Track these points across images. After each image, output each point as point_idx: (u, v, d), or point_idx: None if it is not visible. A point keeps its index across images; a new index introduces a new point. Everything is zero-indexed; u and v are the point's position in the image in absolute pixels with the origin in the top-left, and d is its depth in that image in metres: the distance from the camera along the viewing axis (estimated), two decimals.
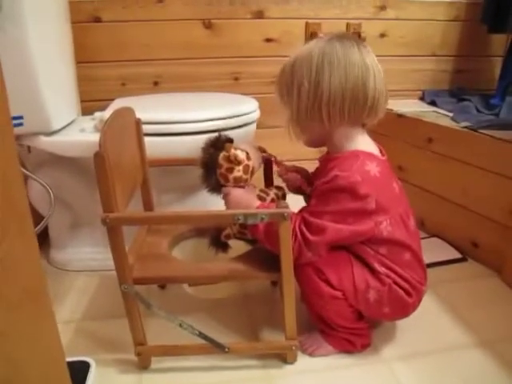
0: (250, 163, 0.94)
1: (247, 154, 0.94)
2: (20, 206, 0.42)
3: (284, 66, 0.91)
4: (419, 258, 0.94)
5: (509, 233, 1.26)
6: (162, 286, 1.24)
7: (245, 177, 0.93)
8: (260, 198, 0.96)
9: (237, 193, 0.93)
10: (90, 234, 1.33)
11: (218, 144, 0.94)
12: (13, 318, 0.41)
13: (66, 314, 1.15)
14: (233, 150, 0.91)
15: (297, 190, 1.07)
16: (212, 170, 0.94)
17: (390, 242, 0.89)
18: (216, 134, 0.96)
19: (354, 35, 0.92)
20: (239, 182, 0.94)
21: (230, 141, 0.95)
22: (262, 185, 1.08)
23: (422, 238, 0.96)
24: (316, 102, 0.85)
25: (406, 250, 0.91)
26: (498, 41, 1.83)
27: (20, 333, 0.43)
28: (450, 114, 1.55)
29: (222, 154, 0.93)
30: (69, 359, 0.85)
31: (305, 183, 1.05)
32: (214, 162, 0.93)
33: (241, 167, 0.92)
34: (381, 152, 0.93)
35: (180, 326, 0.90)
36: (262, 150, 1.05)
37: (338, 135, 0.90)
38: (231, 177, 0.93)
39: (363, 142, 0.90)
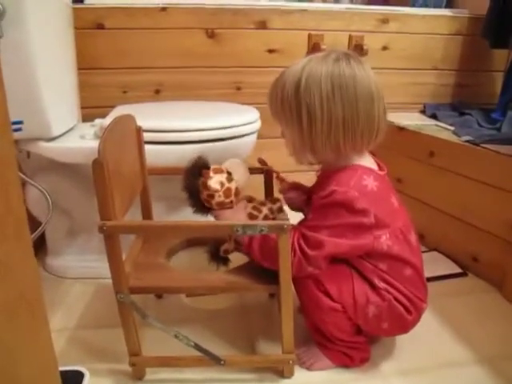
0: (232, 185, 0.91)
1: (229, 174, 0.92)
2: (17, 211, 0.42)
3: (283, 85, 0.85)
4: (420, 274, 0.93)
5: (510, 248, 1.25)
6: (159, 296, 1.22)
7: (227, 200, 0.91)
8: (251, 217, 0.94)
9: (225, 215, 0.92)
10: (87, 241, 1.32)
11: (195, 171, 0.93)
12: (7, 326, 0.40)
13: (60, 321, 1.13)
14: (209, 180, 0.89)
15: (298, 209, 1.06)
16: (195, 195, 0.93)
17: (389, 257, 0.88)
18: (193, 159, 0.94)
19: (353, 51, 0.90)
20: (223, 206, 0.92)
21: (207, 166, 0.93)
22: (261, 196, 1.07)
23: (422, 252, 0.95)
24: (332, 131, 0.83)
25: (406, 266, 0.90)
26: (500, 56, 1.84)
27: (13, 341, 0.42)
28: (452, 128, 1.55)
29: (200, 181, 0.91)
30: (62, 368, 0.83)
31: (307, 203, 1.02)
32: (195, 188, 0.92)
33: (221, 192, 0.90)
34: (379, 166, 0.92)
35: (176, 337, 0.89)
36: (262, 162, 1.04)
37: (342, 159, 0.89)
38: (213, 202, 0.91)
39: (361, 157, 0.90)
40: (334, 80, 0.81)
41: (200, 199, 0.93)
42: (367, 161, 0.91)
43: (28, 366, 0.45)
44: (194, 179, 0.92)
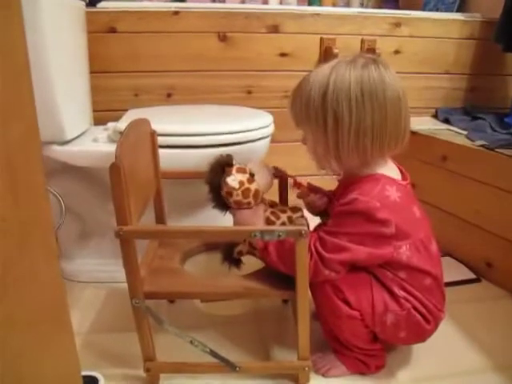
0: (252, 186, 0.91)
1: (251, 176, 0.92)
2: (44, 219, 0.41)
3: (309, 91, 0.83)
4: (440, 283, 0.92)
5: None
6: (171, 300, 1.22)
7: (245, 200, 0.92)
8: (268, 222, 0.94)
9: (242, 216, 0.92)
10: (99, 244, 1.32)
11: (218, 167, 0.93)
12: (33, 335, 0.40)
13: (73, 326, 1.13)
14: (229, 177, 0.90)
15: (321, 213, 1.04)
16: (216, 190, 0.93)
17: (409, 268, 0.87)
18: (218, 155, 0.95)
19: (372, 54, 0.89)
20: (241, 205, 0.92)
21: (230, 163, 0.93)
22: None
23: None
24: (360, 139, 0.81)
25: (426, 276, 0.89)
26: None
27: (38, 349, 0.42)
28: (464, 132, 1.53)
29: (223, 177, 0.92)
30: None
31: (329, 207, 1.01)
32: (217, 184, 0.93)
33: (239, 191, 0.90)
34: (403, 174, 0.91)
35: (191, 343, 0.88)
36: (278, 171, 1.03)
37: (366, 165, 0.88)
38: (231, 200, 0.92)
39: (385, 166, 0.89)
40: (364, 86, 0.79)
41: (220, 195, 0.93)
42: (391, 169, 0.90)
43: (52, 374, 0.44)
44: (216, 175, 0.93)
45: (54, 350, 0.43)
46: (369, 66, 0.81)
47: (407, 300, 0.88)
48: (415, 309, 0.88)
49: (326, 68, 0.84)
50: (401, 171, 0.92)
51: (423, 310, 0.88)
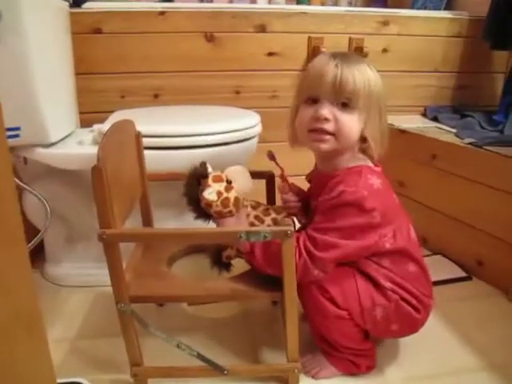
0: (231, 194, 0.89)
1: (228, 183, 0.90)
2: (12, 220, 0.40)
3: (368, 78, 0.85)
4: (424, 269, 0.92)
5: None
6: (160, 304, 1.20)
7: (226, 210, 0.90)
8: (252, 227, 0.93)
9: (226, 223, 0.91)
10: (86, 248, 1.30)
11: (194, 179, 0.91)
12: (3, 346, 0.38)
13: (59, 331, 1.11)
14: (206, 190, 0.88)
15: (291, 214, 1.03)
16: (195, 202, 0.91)
17: (392, 253, 0.88)
18: (193, 167, 0.92)
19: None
20: (223, 215, 0.91)
21: (205, 174, 0.91)
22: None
23: (426, 256, 0.94)
24: (380, 127, 0.87)
25: (409, 261, 0.90)
26: (500, 57, 1.83)
27: (10, 360, 0.40)
28: (453, 130, 1.53)
29: (200, 189, 0.90)
30: (62, 380, 0.82)
31: (301, 213, 1.01)
32: (195, 196, 0.91)
33: (218, 202, 0.88)
34: (374, 163, 0.92)
35: (178, 347, 0.87)
36: (271, 156, 1.01)
37: (352, 152, 0.89)
38: (212, 211, 0.90)
39: (360, 156, 0.90)
40: (380, 84, 0.87)
41: (200, 206, 0.91)
42: (365, 158, 0.90)
43: (24, 381, 0.43)
44: (193, 187, 0.91)
45: (25, 356, 0.42)
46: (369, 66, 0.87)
47: (394, 291, 0.88)
48: (403, 299, 0.88)
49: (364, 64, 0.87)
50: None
51: (411, 300, 0.89)
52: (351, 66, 0.83)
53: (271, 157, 1.02)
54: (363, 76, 0.84)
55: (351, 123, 0.84)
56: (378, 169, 0.90)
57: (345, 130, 0.84)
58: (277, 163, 1.01)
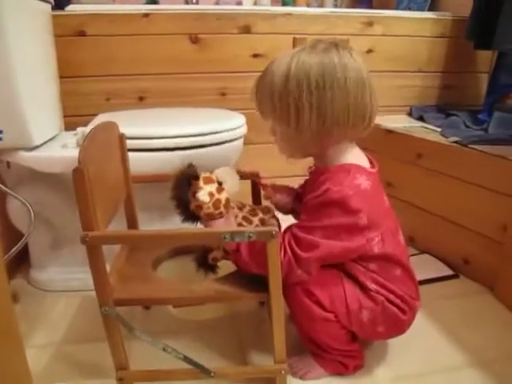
0: (222, 196, 0.89)
1: (219, 185, 0.89)
2: None
3: (271, 78, 0.82)
4: (410, 272, 0.92)
5: (501, 248, 1.24)
6: (147, 307, 1.19)
7: (217, 212, 0.89)
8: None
9: (215, 225, 0.90)
10: (71, 252, 1.28)
11: (184, 180, 0.90)
12: None
13: (44, 336, 1.10)
14: (198, 191, 0.87)
15: (289, 212, 1.04)
16: (184, 205, 0.90)
17: (380, 258, 0.87)
18: (182, 168, 0.91)
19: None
20: (212, 217, 0.90)
21: (195, 175, 0.90)
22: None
23: (413, 255, 0.94)
24: (319, 125, 0.81)
25: (396, 266, 0.89)
26: (484, 57, 1.86)
27: None
28: (439, 130, 1.54)
29: (190, 191, 0.89)
30: None
31: (297, 204, 1.00)
32: (185, 198, 0.89)
33: (210, 204, 0.87)
34: (371, 163, 0.90)
35: (164, 350, 0.86)
36: (245, 174, 1.01)
37: (332, 150, 0.87)
38: (202, 213, 0.89)
39: (353, 155, 0.88)
40: (325, 71, 0.78)
41: (189, 209, 0.90)
42: (359, 157, 0.89)
43: None
44: (183, 189, 0.89)
45: (1, 362, 0.41)
46: (329, 50, 0.80)
47: (380, 293, 0.87)
48: (389, 301, 0.88)
49: (286, 56, 0.82)
50: (369, 159, 0.91)
51: (397, 301, 0.88)
52: (264, 73, 0.85)
53: (246, 175, 1.02)
54: (266, 78, 0.84)
55: (280, 132, 0.88)
56: (373, 170, 0.88)
57: (278, 140, 0.89)
58: (252, 176, 1.03)
